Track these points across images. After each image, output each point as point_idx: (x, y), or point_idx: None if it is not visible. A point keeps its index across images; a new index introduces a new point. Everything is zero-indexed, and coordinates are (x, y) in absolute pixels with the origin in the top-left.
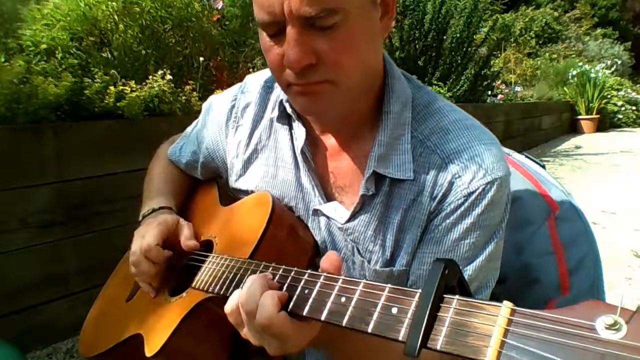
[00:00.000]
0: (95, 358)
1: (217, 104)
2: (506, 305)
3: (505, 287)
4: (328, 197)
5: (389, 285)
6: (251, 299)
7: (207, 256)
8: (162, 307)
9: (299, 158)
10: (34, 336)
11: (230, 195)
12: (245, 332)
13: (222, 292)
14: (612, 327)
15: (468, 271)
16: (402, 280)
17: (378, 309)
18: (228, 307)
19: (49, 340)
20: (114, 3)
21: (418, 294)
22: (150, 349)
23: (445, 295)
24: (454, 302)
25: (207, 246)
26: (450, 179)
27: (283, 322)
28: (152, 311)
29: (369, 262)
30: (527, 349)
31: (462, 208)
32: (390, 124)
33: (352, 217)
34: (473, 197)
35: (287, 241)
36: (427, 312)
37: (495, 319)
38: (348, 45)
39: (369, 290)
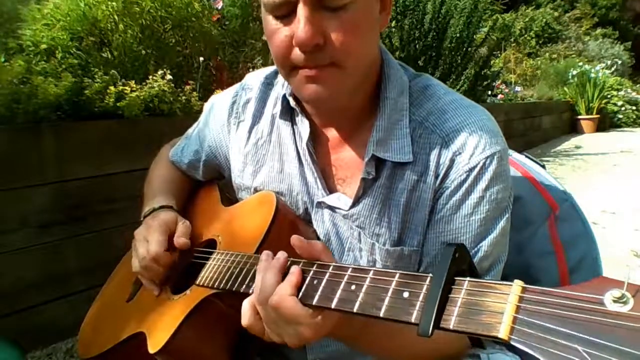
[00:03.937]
0: (96, 359)
1: (219, 102)
2: (517, 284)
3: None
4: (330, 189)
5: (399, 271)
6: (268, 287)
7: (210, 253)
8: (164, 305)
9: (302, 152)
10: (34, 336)
11: (230, 197)
12: (267, 336)
13: (227, 288)
14: (620, 300)
15: (483, 247)
16: (414, 261)
17: (389, 294)
18: (245, 314)
19: (49, 340)
20: (114, 3)
21: (429, 278)
22: (153, 346)
23: (456, 278)
24: (465, 284)
25: (210, 245)
26: (451, 156)
27: (294, 304)
28: (154, 309)
29: (378, 242)
30: (539, 323)
31: (466, 184)
32: (388, 109)
33: (356, 202)
34: (475, 172)
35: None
36: (439, 294)
37: (506, 297)
38: (355, 28)
39: (379, 277)
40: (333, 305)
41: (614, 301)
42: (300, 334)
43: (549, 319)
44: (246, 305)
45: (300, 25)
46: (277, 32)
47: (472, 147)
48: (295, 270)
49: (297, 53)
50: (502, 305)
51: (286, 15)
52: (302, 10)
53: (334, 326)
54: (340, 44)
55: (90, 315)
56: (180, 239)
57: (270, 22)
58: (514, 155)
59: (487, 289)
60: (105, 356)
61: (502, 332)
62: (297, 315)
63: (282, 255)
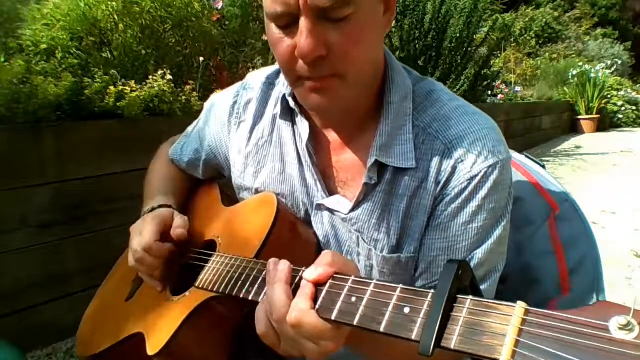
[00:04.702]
0: (94, 358)
1: (219, 101)
2: (520, 306)
3: (505, 287)
4: (330, 191)
5: (401, 285)
6: (280, 305)
7: (210, 255)
8: (164, 306)
9: (302, 153)
10: (34, 336)
11: (231, 196)
12: (282, 349)
13: (227, 292)
14: (626, 327)
15: (478, 255)
16: (410, 268)
17: (390, 308)
18: (260, 323)
19: (49, 340)
20: (114, 3)
21: (431, 294)
22: (152, 348)
23: (458, 296)
24: (467, 302)
25: (210, 246)
26: (453, 164)
27: (316, 320)
28: (153, 310)
29: (375, 249)
30: (542, 348)
31: (467, 192)
32: (392, 114)
33: (356, 206)
34: (476, 180)
35: (292, 241)
36: (441, 312)
37: (509, 318)
38: (358, 38)
39: (380, 290)
40: (333, 317)
41: (620, 328)
42: (325, 348)
43: (552, 343)
44: (260, 314)
45: (303, 37)
46: (280, 42)
47: (474, 155)
48: (306, 282)
49: (301, 64)
50: (505, 327)
51: (288, 25)
52: (304, 23)
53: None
54: (343, 54)
55: (89, 313)
56: (177, 230)
57: (273, 30)
58: (514, 155)
59: (490, 309)
60: (103, 355)
61: (504, 355)
62: (321, 331)
63: (284, 265)
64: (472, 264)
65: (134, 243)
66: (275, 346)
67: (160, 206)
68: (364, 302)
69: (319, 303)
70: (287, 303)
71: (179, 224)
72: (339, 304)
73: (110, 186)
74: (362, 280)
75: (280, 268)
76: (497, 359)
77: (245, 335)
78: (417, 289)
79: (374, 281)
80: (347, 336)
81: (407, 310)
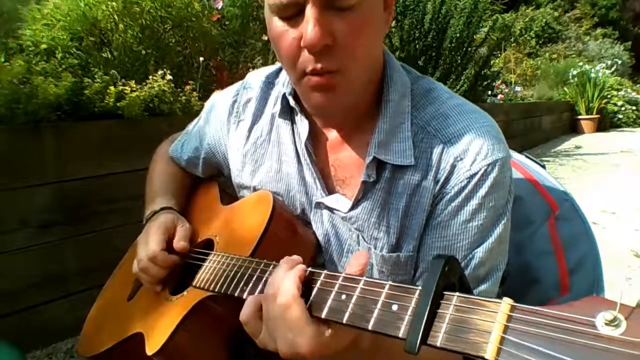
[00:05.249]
0: (95, 357)
1: (219, 100)
2: (506, 302)
3: (505, 287)
4: (330, 190)
5: (389, 282)
6: (274, 281)
7: (207, 255)
8: (163, 305)
9: (301, 152)
10: (34, 336)
11: (231, 195)
12: (261, 338)
13: (222, 291)
14: (612, 323)
15: (478, 254)
16: (410, 268)
17: (378, 306)
18: (245, 309)
19: (49, 340)
20: (114, 3)
21: (418, 291)
22: (150, 348)
23: (445, 292)
24: (454, 299)
25: (208, 245)
26: (452, 162)
27: (302, 308)
28: (153, 310)
29: (374, 248)
30: (527, 344)
31: (466, 190)
32: (390, 112)
33: (355, 205)
34: (476, 178)
35: (288, 240)
36: (427, 309)
37: (495, 315)
38: (363, 28)
39: (369, 287)
40: (323, 315)
41: (606, 324)
42: (297, 345)
43: (538, 340)
44: (250, 300)
45: (310, 26)
46: (284, 35)
47: (474, 153)
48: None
49: (306, 56)
50: (490, 324)
51: (293, 16)
52: (310, 11)
53: (339, 346)
54: (347, 46)
55: (92, 314)
56: (179, 243)
57: (276, 23)
58: (514, 155)
59: (476, 306)
60: (105, 355)
61: (489, 353)
62: (304, 323)
63: (298, 257)
64: (472, 263)
65: (140, 253)
66: (255, 334)
67: (162, 209)
68: (353, 300)
69: (310, 301)
70: (280, 282)
71: (181, 236)
72: (329, 301)
73: (110, 186)
74: (352, 277)
75: (293, 257)
76: (482, 356)
77: (243, 335)
78: (405, 286)
79: (364, 278)
80: (345, 343)
81: (395, 307)
